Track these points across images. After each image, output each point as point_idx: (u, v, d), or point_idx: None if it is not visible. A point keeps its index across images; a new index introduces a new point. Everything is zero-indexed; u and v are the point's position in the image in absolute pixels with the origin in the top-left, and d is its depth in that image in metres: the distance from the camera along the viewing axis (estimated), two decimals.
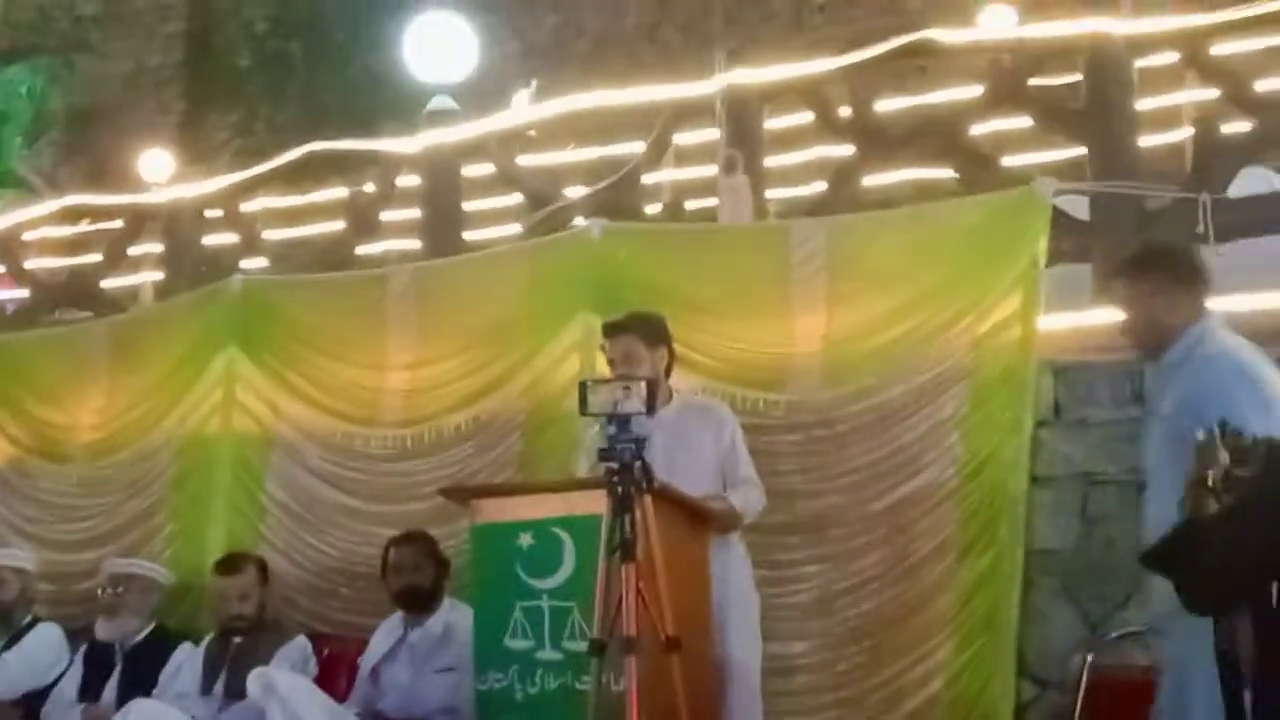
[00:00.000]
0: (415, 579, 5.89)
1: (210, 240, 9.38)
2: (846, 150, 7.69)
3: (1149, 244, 4.77)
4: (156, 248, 9.60)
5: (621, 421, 4.52)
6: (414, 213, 8.73)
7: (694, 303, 6.04)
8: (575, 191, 8.36)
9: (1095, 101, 6.69)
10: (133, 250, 9.72)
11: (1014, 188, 5.99)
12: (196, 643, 6.29)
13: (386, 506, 6.62)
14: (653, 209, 8.45)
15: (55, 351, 7.90)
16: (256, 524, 6.92)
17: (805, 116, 8.03)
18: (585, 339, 6.15)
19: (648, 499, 4.53)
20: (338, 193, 10.30)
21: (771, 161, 7.94)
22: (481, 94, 9.85)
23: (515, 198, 8.89)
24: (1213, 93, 7.16)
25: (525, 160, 9.02)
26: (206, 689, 6.02)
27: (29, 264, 10.02)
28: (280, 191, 10.21)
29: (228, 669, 6.01)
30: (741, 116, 7.50)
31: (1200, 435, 3.03)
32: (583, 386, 4.65)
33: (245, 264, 8.73)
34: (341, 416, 6.86)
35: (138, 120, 15.30)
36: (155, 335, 7.53)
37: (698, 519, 5.03)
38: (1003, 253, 5.72)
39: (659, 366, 5.27)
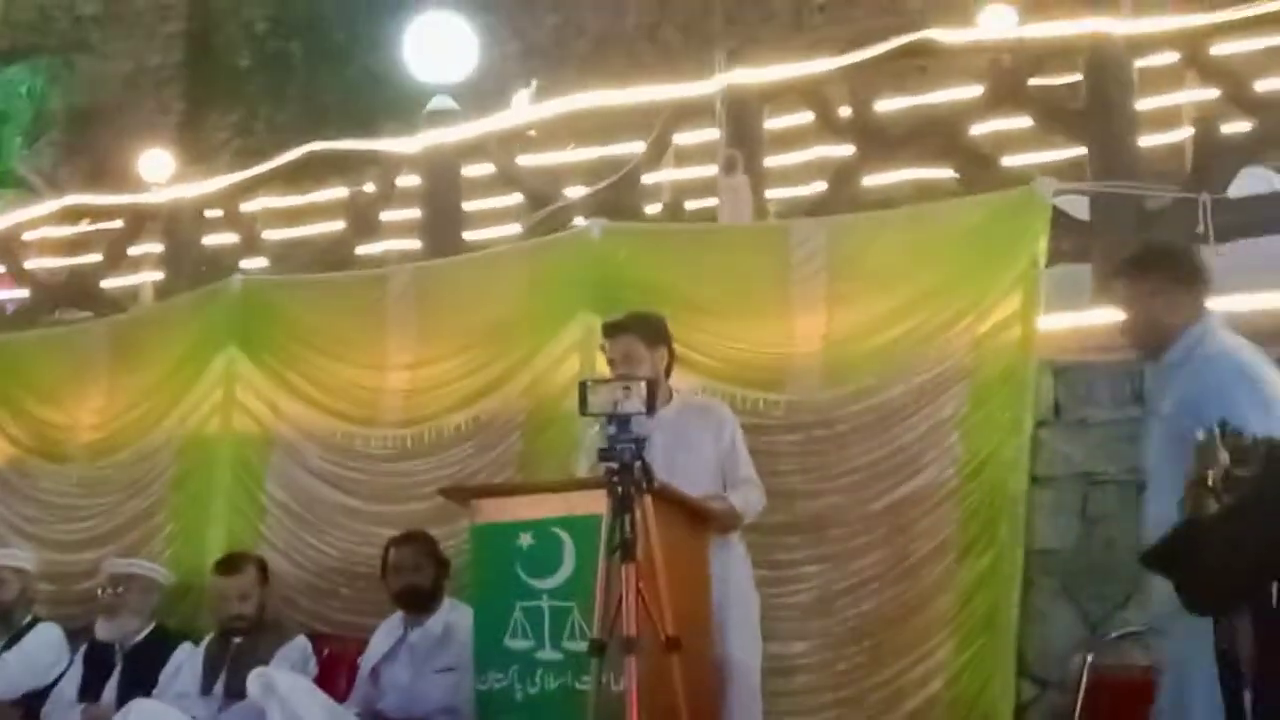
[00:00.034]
0: (415, 579, 5.89)
1: (210, 240, 9.38)
2: (846, 150, 7.69)
3: (1149, 244, 4.77)
4: (156, 248, 9.60)
5: (621, 421, 4.52)
6: (414, 213, 8.73)
7: (694, 303, 6.04)
8: (575, 191, 8.36)
9: (1095, 101, 6.69)
10: (133, 250, 9.73)
11: (1014, 188, 5.99)
12: (196, 643, 6.29)
13: (386, 506, 6.62)
14: (653, 209, 8.46)
15: (55, 351, 7.90)
16: (256, 524, 6.92)
17: (805, 116, 8.04)
18: (585, 339, 6.15)
19: (648, 499, 4.53)
20: (338, 193, 10.30)
21: (771, 161, 7.94)
22: (481, 94, 9.85)
23: (515, 198, 8.89)
24: (1213, 93, 7.16)
25: (525, 160, 9.02)
26: (206, 689, 6.02)
27: (29, 264, 10.02)
28: (280, 191, 10.21)
29: (228, 669, 6.01)
30: (741, 116, 7.50)
31: (1200, 435, 3.03)
32: (583, 386, 4.65)
33: (245, 264, 8.73)
34: (341, 416, 6.86)
35: (138, 120, 15.30)
36: (155, 335, 7.53)
37: (698, 519, 5.03)
38: (1003, 253, 5.72)
39: (659, 366, 5.27)
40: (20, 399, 7.84)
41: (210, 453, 7.10)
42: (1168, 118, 8.10)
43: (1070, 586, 5.44)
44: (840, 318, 5.92)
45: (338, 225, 9.43)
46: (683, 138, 8.39)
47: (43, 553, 7.22)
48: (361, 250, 8.92)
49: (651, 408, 4.61)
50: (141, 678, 6.19)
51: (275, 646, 6.07)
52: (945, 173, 7.46)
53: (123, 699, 6.05)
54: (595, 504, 4.58)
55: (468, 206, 8.62)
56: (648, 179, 8.41)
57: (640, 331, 5.27)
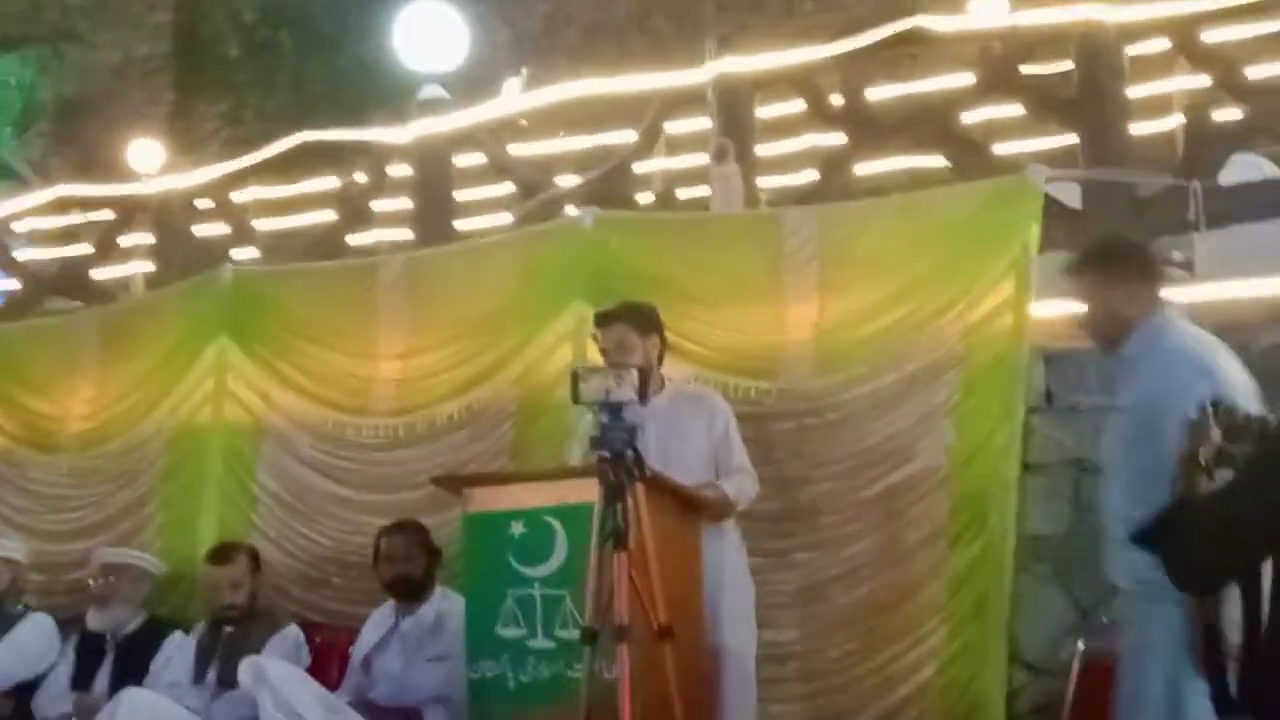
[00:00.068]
0: (407, 568, 5.89)
1: (201, 230, 9.37)
2: (838, 138, 7.71)
3: (1106, 238, 4.80)
4: (147, 238, 9.59)
5: (614, 410, 4.52)
6: (405, 202, 8.73)
7: (686, 291, 6.03)
8: (567, 180, 8.37)
9: (1087, 89, 6.71)
10: (123, 240, 9.71)
11: (1005, 175, 6.00)
12: (188, 632, 6.28)
13: (378, 495, 6.61)
14: (644, 198, 8.46)
15: (46, 342, 7.87)
16: (248, 513, 6.90)
17: (797, 104, 8.05)
18: (577, 328, 6.15)
19: (639, 487, 4.53)
20: (329, 182, 10.28)
21: (763, 150, 7.96)
22: (472, 83, 9.84)
23: (506, 187, 8.91)
24: (1204, 80, 7.19)
25: (516, 149, 9.02)
26: (198, 678, 6.01)
27: (19, 254, 10.00)
28: (271, 181, 10.21)
29: (219, 658, 6.00)
30: (733, 105, 7.51)
31: (1193, 413, 3.04)
32: (574, 375, 4.65)
33: (236, 254, 8.72)
34: (333, 406, 6.85)
35: (127, 110, 15.26)
36: (146, 325, 7.51)
37: (690, 508, 5.03)
38: (994, 240, 5.72)
39: (651, 355, 5.26)
40: (10, 389, 7.81)
41: (201, 442, 7.09)
42: (1159, 105, 8.12)
43: (1062, 573, 5.45)
44: (832, 306, 5.92)
45: (329, 215, 9.43)
46: (674, 126, 8.39)
47: (33, 543, 7.20)
48: (353, 240, 8.93)
49: (644, 396, 4.61)
50: (133, 667, 6.19)
51: (267, 636, 6.06)
52: (937, 160, 7.47)
53: (114, 688, 6.03)
54: (587, 493, 4.57)
55: (459, 196, 8.62)
56: (639, 168, 8.42)
57: (632, 320, 5.27)
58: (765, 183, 8.02)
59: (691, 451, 5.18)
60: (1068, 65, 7.02)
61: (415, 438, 6.62)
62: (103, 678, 6.26)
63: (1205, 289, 5.78)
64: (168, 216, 9.05)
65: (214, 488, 7.00)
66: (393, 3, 10.77)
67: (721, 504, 5.13)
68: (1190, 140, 6.98)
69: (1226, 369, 4.06)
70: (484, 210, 9.30)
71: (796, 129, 8.78)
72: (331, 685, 5.84)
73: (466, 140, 8.41)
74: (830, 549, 5.70)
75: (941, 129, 7.22)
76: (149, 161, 12.15)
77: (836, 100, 7.73)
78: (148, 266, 9.65)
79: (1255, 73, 6.97)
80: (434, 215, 8.23)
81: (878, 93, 8.44)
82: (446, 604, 5.78)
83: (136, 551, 6.72)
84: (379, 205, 9.04)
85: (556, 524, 4.94)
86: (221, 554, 6.33)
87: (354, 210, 8.85)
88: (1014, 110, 7.59)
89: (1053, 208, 5.97)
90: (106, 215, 9.65)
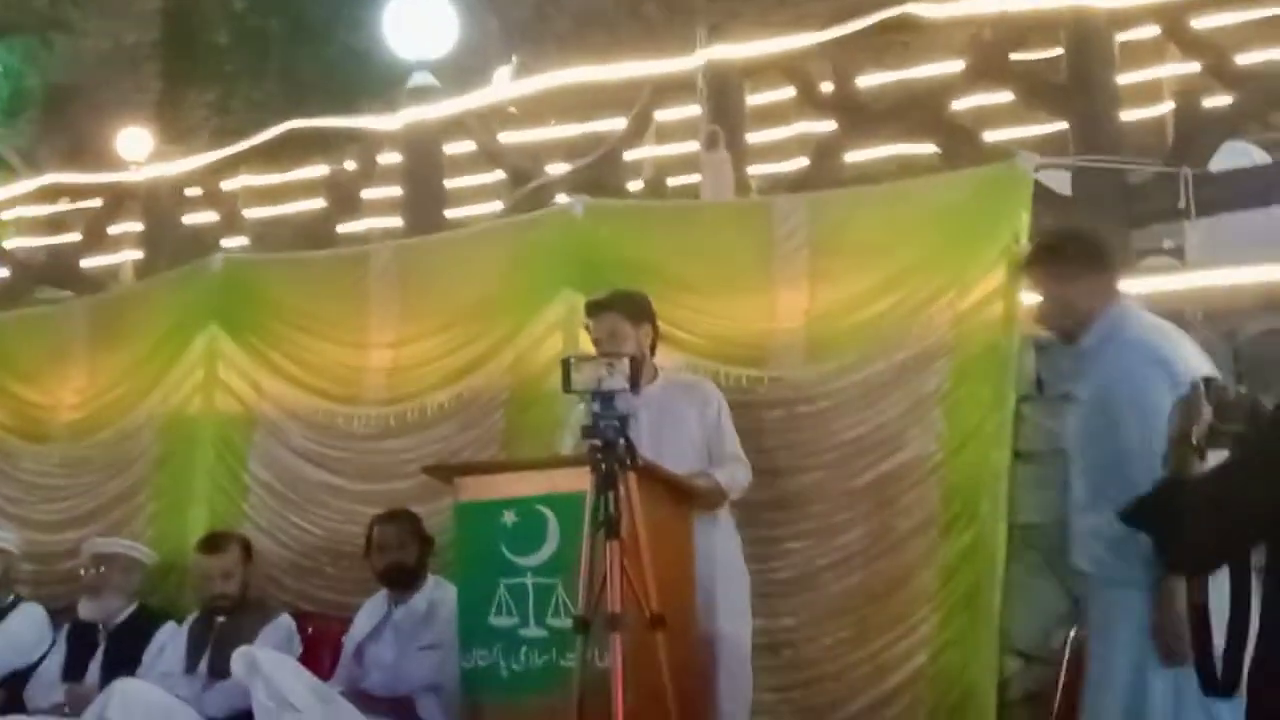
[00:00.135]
0: (399, 557, 5.89)
1: (190, 219, 9.35)
2: (828, 126, 7.70)
3: (1063, 230, 4.82)
4: (136, 226, 9.57)
5: (605, 398, 4.53)
6: (395, 190, 8.71)
7: (677, 279, 6.02)
8: (557, 168, 8.36)
9: (1077, 76, 6.70)
10: (112, 229, 9.69)
11: (996, 163, 5.98)
12: (180, 622, 6.28)
13: (370, 485, 6.60)
14: (635, 186, 8.45)
15: (35, 331, 7.86)
16: (240, 503, 6.90)
17: (787, 92, 8.05)
18: (568, 316, 6.14)
19: (631, 476, 4.54)
20: (318, 170, 10.27)
21: (753, 137, 7.95)
22: (462, 71, 9.82)
23: (497, 175, 8.89)
24: (1194, 66, 7.18)
25: (506, 137, 9.00)
26: (190, 668, 6.02)
27: (8, 243, 9.97)
28: (260, 169, 10.17)
29: (212, 648, 6.00)
30: (723, 92, 7.49)
31: (1186, 390, 3.04)
32: (566, 364, 4.65)
33: (226, 242, 8.70)
34: (324, 395, 6.84)
35: (116, 98, 15.21)
36: (136, 314, 7.49)
37: (682, 496, 5.04)
38: (985, 228, 5.71)
39: (643, 344, 5.27)
40: (1, 379, 7.80)
41: (192, 432, 7.08)
42: (1149, 92, 8.12)
43: (1053, 561, 5.45)
44: (822, 294, 5.91)
45: (319, 203, 9.42)
46: (664, 114, 8.38)
47: (25, 533, 7.19)
48: (343, 228, 8.91)
49: (635, 385, 4.62)
50: (125, 657, 6.19)
51: (259, 625, 6.05)
52: (927, 148, 7.46)
53: (106, 678, 6.03)
54: (579, 481, 4.58)
55: (449, 184, 8.61)
56: (629, 155, 8.41)
57: (624, 309, 5.27)
58: (756, 170, 8.01)
59: (684, 440, 5.18)
60: (1058, 52, 7.02)
61: (406, 427, 6.61)
62: (94, 668, 6.26)
63: (1195, 276, 5.79)
64: (157, 205, 9.02)
65: (205, 477, 6.99)
66: None
67: (714, 493, 5.13)
68: (1181, 127, 6.99)
69: (1187, 358, 4.06)
70: (474, 198, 9.28)
71: (787, 116, 8.77)
72: (324, 675, 5.83)
73: (456, 128, 8.40)
74: (821, 538, 5.70)
75: (932, 116, 7.22)
76: (138, 149, 12.12)
77: (827, 87, 7.72)
78: (137, 255, 9.63)
79: (1246, 59, 6.98)
80: (424, 203, 8.21)
81: (868, 80, 8.42)
82: (439, 593, 5.78)
83: (128, 541, 6.71)
84: (369, 193, 9.03)
85: (548, 513, 4.95)
86: (213, 543, 6.33)
87: (344, 198, 8.84)
88: (1004, 97, 7.59)
89: (1043, 195, 5.96)
90: (95, 203, 9.63)
